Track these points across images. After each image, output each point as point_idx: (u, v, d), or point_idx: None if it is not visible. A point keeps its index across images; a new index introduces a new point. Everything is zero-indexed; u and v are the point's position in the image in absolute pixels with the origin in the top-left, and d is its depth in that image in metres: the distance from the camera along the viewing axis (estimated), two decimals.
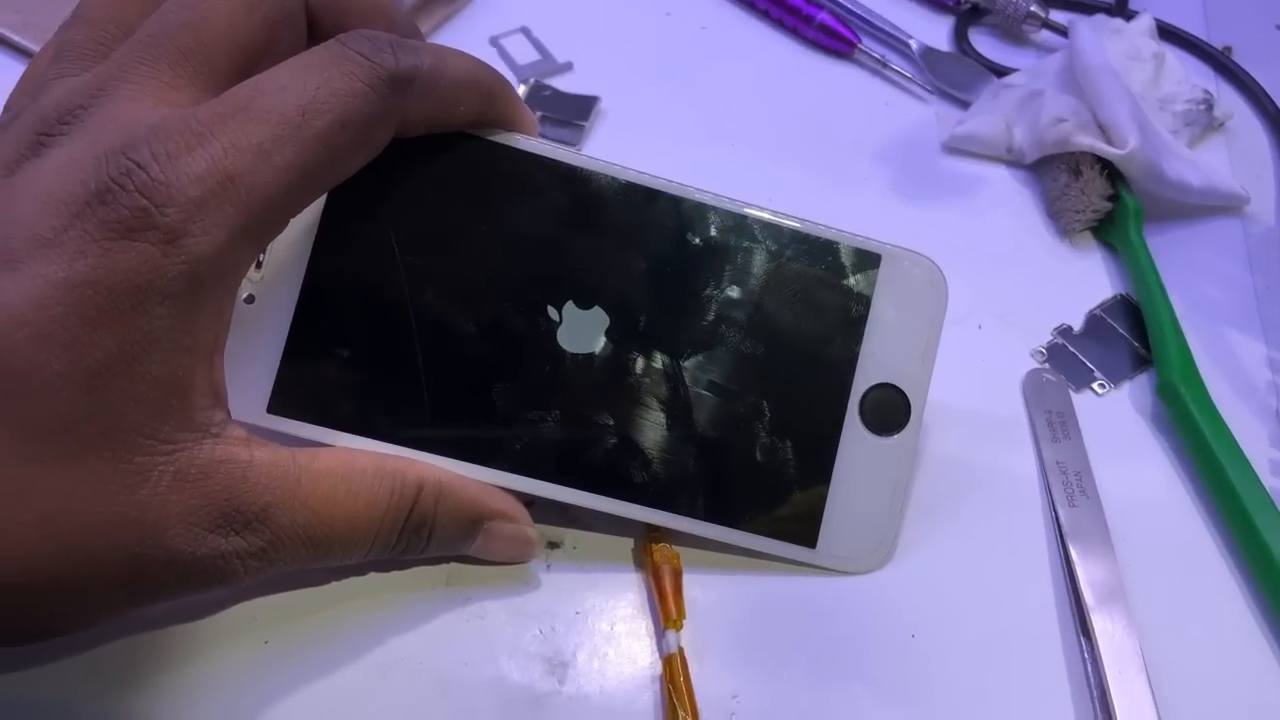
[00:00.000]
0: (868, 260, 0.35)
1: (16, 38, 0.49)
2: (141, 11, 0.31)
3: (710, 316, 0.34)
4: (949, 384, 0.37)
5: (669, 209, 0.34)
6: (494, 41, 0.53)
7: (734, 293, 0.34)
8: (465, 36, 0.53)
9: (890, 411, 0.35)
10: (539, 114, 0.49)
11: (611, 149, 0.49)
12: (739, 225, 0.34)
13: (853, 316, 0.35)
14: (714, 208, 0.35)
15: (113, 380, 0.26)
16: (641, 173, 0.35)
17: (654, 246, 0.34)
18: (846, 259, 0.35)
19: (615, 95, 0.50)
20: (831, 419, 0.35)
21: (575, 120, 0.49)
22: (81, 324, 0.26)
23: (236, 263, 0.28)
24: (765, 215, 0.35)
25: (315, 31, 0.32)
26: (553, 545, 0.36)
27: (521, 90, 0.50)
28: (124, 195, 0.26)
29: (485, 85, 0.33)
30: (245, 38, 0.30)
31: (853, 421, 0.35)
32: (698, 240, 0.34)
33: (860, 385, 0.35)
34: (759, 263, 0.34)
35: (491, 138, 0.34)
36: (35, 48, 0.49)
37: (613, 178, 0.34)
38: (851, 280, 0.35)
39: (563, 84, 0.51)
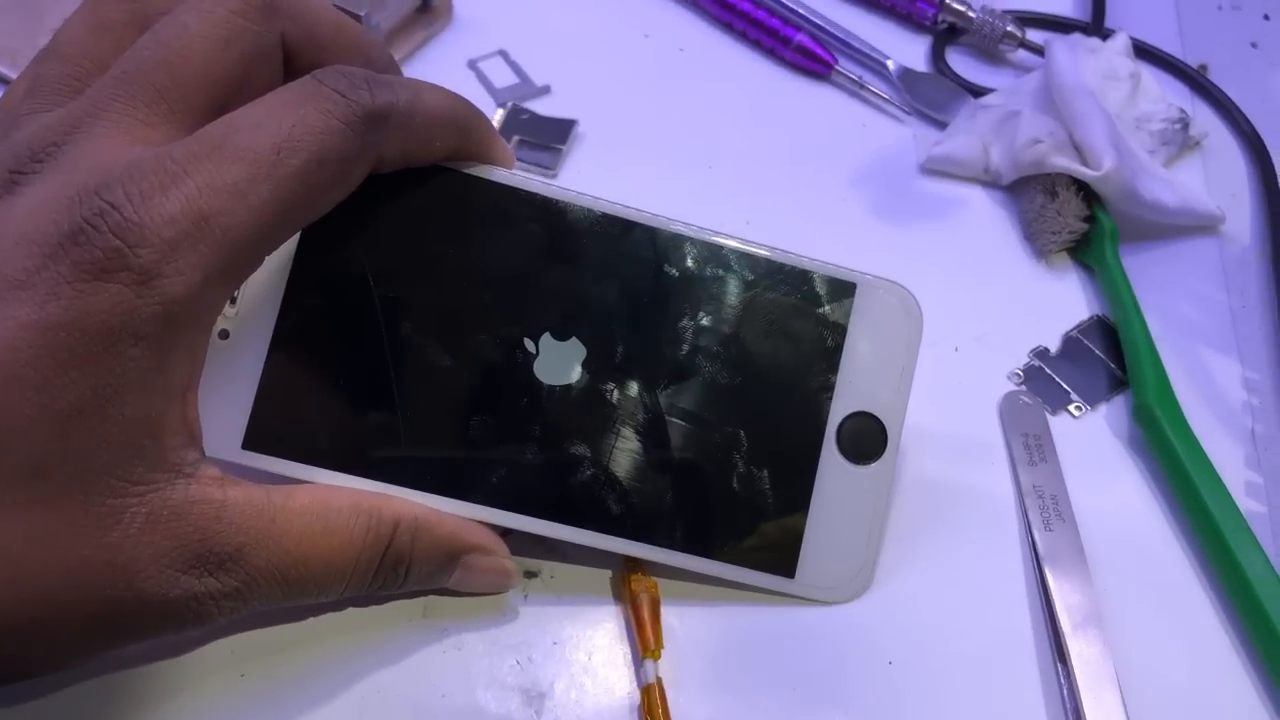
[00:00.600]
0: (843, 289, 0.35)
1: None
2: (116, 47, 0.31)
3: (686, 347, 0.34)
4: (926, 407, 0.38)
5: (644, 240, 0.34)
6: (472, 65, 0.53)
7: (710, 323, 0.34)
8: (443, 60, 0.53)
9: (867, 440, 0.35)
10: (517, 138, 0.49)
11: (590, 172, 0.49)
12: (714, 256, 0.35)
13: (828, 345, 0.35)
14: (689, 238, 0.35)
15: (85, 423, 0.26)
16: (616, 204, 0.35)
17: (630, 278, 0.34)
18: (821, 288, 0.35)
19: (593, 118, 0.50)
20: (808, 448, 0.35)
21: (553, 144, 0.49)
22: (54, 366, 0.26)
23: (211, 302, 0.28)
24: (740, 245, 0.35)
25: (292, 66, 0.32)
26: (530, 575, 0.36)
27: (499, 114, 0.50)
28: (97, 236, 0.26)
29: (461, 120, 0.33)
30: (221, 74, 0.30)
31: (830, 450, 0.35)
32: (673, 271, 0.34)
33: (837, 414, 0.35)
34: (734, 293, 0.35)
35: (467, 170, 0.34)
36: (11, 73, 0.48)
37: (588, 209, 0.34)
38: (827, 309, 0.35)
39: (541, 107, 0.51)
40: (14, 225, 0.27)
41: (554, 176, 0.49)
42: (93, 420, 0.26)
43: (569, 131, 0.50)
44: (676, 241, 0.35)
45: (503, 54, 0.53)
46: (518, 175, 0.34)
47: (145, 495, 0.28)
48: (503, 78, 0.52)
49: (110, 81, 0.29)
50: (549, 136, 0.50)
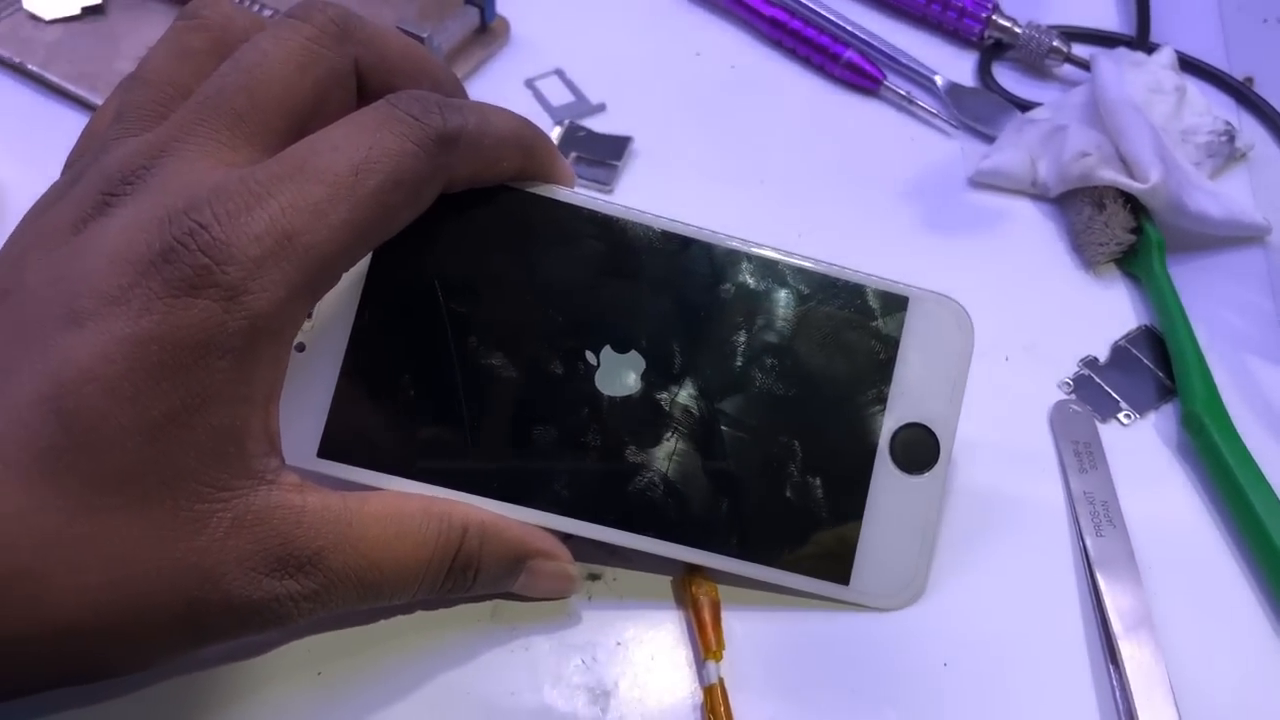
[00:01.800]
0: (895, 303, 0.36)
1: (71, 87, 0.51)
2: (198, 73, 0.33)
3: (742, 359, 0.35)
4: (977, 415, 0.38)
5: (701, 255, 0.36)
6: (529, 84, 0.54)
7: (765, 336, 0.36)
8: (501, 79, 0.54)
9: (920, 450, 0.36)
10: (574, 155, 0.51)
11: (645, 187, 0.50)
12: (769, 270, 0.36)
13: (882, 358, 0.36)
14: (745, 253, 0.36)
15: (175, 431, 0.28)
16: (674, 220, 0.36)
17: (687, 292, 0.35)
18: (875, 302, 0.36)
19: (647, 134, 0.52)
20: (862, 458, 0.36)
21: (609, 160, 0.51)
22: (146, 378, 0.27)
23: (292, 317, 0.29)
24: (795, 260, 0.36)
25: (364, 91, 0.34)
26: (593, 578, 0.37)
27: (557, 132, 0.52)
28: (187, 254, 0.27)
29: (526, 141, 0.34)
30: (298, 99, 0.31)
31: (883, 461, 0.36)
32: (729, 285, 0.36)
33: (890, 425, 0.36)
34: (789, 307, 0.36)
35: (531, 190, 0.35)
36: (89, 97, 0.50)
37: (647, 226, 0.36)
38: (880, 322, 0.36)
39: (596, 125, 0.52)
40: (108, 244, 0.28)
41: (610, 192, 0.50)
42: (182, 429, 0.28)
43: (624, 148, 0.51)
44: (732, 256, 0.36)
45: (559, 73, 0.55)
46: (579, 194, 0.35)
47: (230, 501, 0.29)
48: (559, 96, 0.54)
49: (194, 107, 0.31)
50: (605, 153, 0.51)
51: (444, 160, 0.31)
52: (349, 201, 0.29)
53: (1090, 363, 0.46)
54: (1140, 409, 0.44)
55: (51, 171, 0.34)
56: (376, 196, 0.30)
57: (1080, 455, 0.42)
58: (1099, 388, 0.45)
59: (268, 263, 0.28)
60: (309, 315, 0.34)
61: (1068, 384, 0.45)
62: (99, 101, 0.50)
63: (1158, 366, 0.46)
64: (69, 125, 0.50)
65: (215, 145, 0.30)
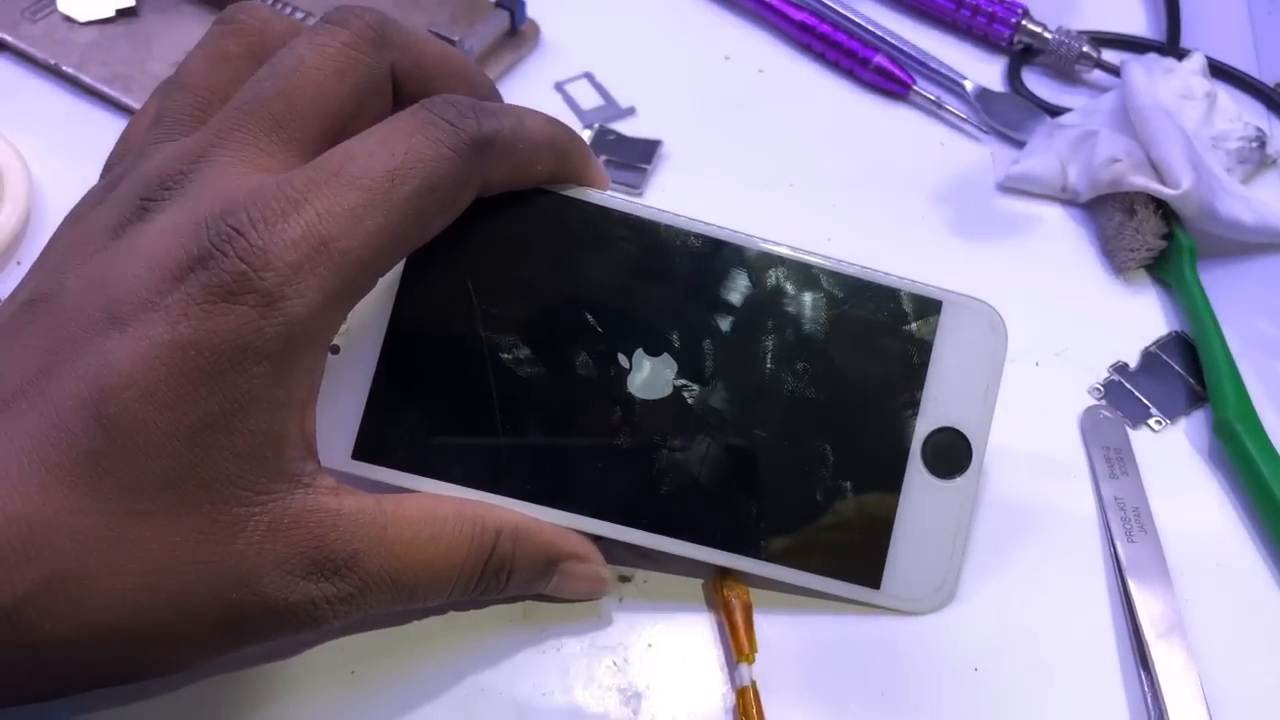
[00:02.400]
0: (929, 307, 0.36)
1: (105, 88, 0.51)
2: (235, 78, 0.33)
3: (774, 362, 0.36)
4: (1008, 421, 0.38)
5: (734, 258, 0.36)
6: (559, 87, 0.54)
7: (797, 339, 0.36)
8: (531, 82, 0.54)
9: (952, 455, 0.36)
10: (604, 158, 0.51)
11: (674, 190, 0.50)
12: (802, 274, 0.36)
13: (915, 362, 0.36)
14: (778, 257, 0.36)
15: (213, 436, 0.28)
16: (707, 223, 0.36)
17: (720, 295, 0.36)
18: (908, 306, 0.36)
19: (677, 138, 0.52)
20: (894, 463, 0.36)
21: (638, 164, 0.51)
22: (185, 383, 0.27)
23: (329, 322, 0.30)
24: (828, 264, 0.36)
25: (400, 94, 0.34)
26: (624, 579, 0.38)
27: (587, 135, 0.52)
28: (224, 260, 0.28)
29: (560, 144, 0.34)
30: (335, 104, 0.32)
31: (915, 465, 0.36)
32: (762, 288, 0.36)
33: (922, 430, 0.36)
34: (822, 310, 0.36)
35: (565, 193, 0.35)
36: (124, 99, 0.51)
37: (679, 229, 0.36)
38: (913, 327, 0.36)
39: (626, 128, 0.53)
40: (146, 250, 0.29)
41: (640, 195, 0.50)
42: (220, 434, 0.28)
43: (654, 151, 0.51)
44: (765, 260, 0.36)
45: (588, 76, 0.55)
46: (613, 197, 0.36)
47: (267, 504, 0.29)
48: (589, 99, 0.54)
49: (231, 113, 0.31)
50: (634, 156, 0.51)
51: (479, 165, 0.31)
52: (385, 207, 0.29)
53: (1121, 369, 0.46)
54: (1171, 415, 0.44)
55: (87, 172, 0.35)
56: (412, 202, 0.30)
57: (1111, 461, 0.42)
58: (1129, 394, 0.45)
59: (304, 269, 0.28)
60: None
61: (1098, 389, 0.45)
62: (133, 103, 0.51)
63: (1188, 373, 0.46)
64: (104, 127, 0.50)
65: (252, 151, 0.30)
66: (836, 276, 0.36)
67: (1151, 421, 0.44)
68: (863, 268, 0.36)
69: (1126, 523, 0.40)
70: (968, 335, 0.36)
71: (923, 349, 0.36)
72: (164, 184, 0.30)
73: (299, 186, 0.29)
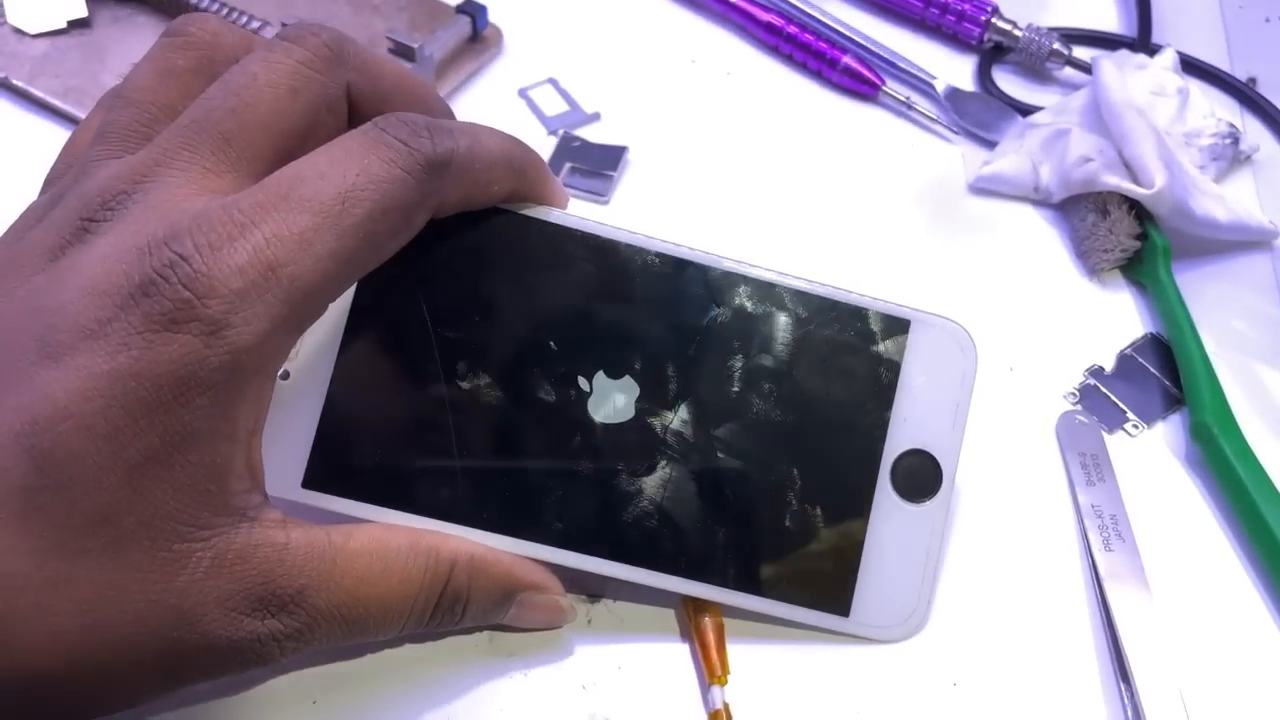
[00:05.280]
0: (896, 326, 0.35)
1: (58, 102, 0.50)
2: (184, 93, 0.32)
3: (739, 385, 0.35)
4: (983, 428, 0.38)
5: (697, 278, 0.35)
6: (522, 93, 0.53)
7: (763, 361, 0.35)
8: (495, 88, 0.53)
9: (922, 478, 0.35)
10: (569, 165, 0.50)
11: (641, 196, 0.49)
12: (767, 293, 0.35)
13: (882, 383, 0.35)
14: (741, 276, 0.35)
15: (153, 470, 0.27)
16: (668, 243, 0.35)
17: (682, 316, 0.35)
18: (875, 325, 0.35)
19: (643, 143, 0.51)
20: (863, 487, 0.35)
21: (604, 170, 0.50)
22: (124, 416, 0.26)
23: (277, 350, 0.29)
24: (793, 283, 0.35)
25: (355, 114, 0.33)
26: (593, 598, 0.37)
27: (552, 142, 0.51)
28: (167, 288, 0.27)
29: (518, 162, 0.33)
30: (287, 123, 0.31)
31: (884, 489, 0.35)
32: (726, 309, 0.35)
33: (891, 452, 0.35)
34: (787, 330, 0.35)
35: (522, 211, 0.34)
36: (77, 113, 0.50)
37: (640, 248, 0.35)
38: (880, 347, 0.35)
39: (591, 134, 0.52)
40: (86, 275, 0.27)
41: (606, 203, 0.49)
42: (160, 468, 0.27)
43: (619, 158, 0.50)
44: (729, 279, 0.35)
45: (553, 82, 0.54)
46: (571, 215, 0.35)
47: (210, 540, 0.28)
48: (553, 105, 0.53)
49: (179, 130, 0.30)
50: (600, 163, 0.50)
51: (433, 186, 0.30)
52: (335, 231, 0.28)
53: (1096, 372, 0.45)
54: (1148, 419, 0.44)
55: (37, 188, 0.34)
56: (364, 225, 0.29)
57: (1087, 468, 0.41)
58: (1105, 398, 0.44)
59: (250, 296, 0.27)
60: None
61: (1074, 394, 0.44)
62: (84, 116, 0.49)
63: (1165, 375, 0.45)
64: (56, 141, 0.48)
65: (199, 171, 0.29)
66: (802, 296, 0.35)
67: (1128, 426, 0.43)
68: (829, 287, 0.35)
69: (1104, 531, 0.40)
70: (937, 355, 0.35)
71: (891, 369, 0.35)
72: (106, 204, 0.29)
73: (246, 209, 0.28)
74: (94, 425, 0.26)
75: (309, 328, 0.30)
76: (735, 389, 0.35)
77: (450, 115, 0.36)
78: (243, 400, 0.28)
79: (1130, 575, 0.38)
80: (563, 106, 0.53)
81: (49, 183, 0.34)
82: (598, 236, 0.35)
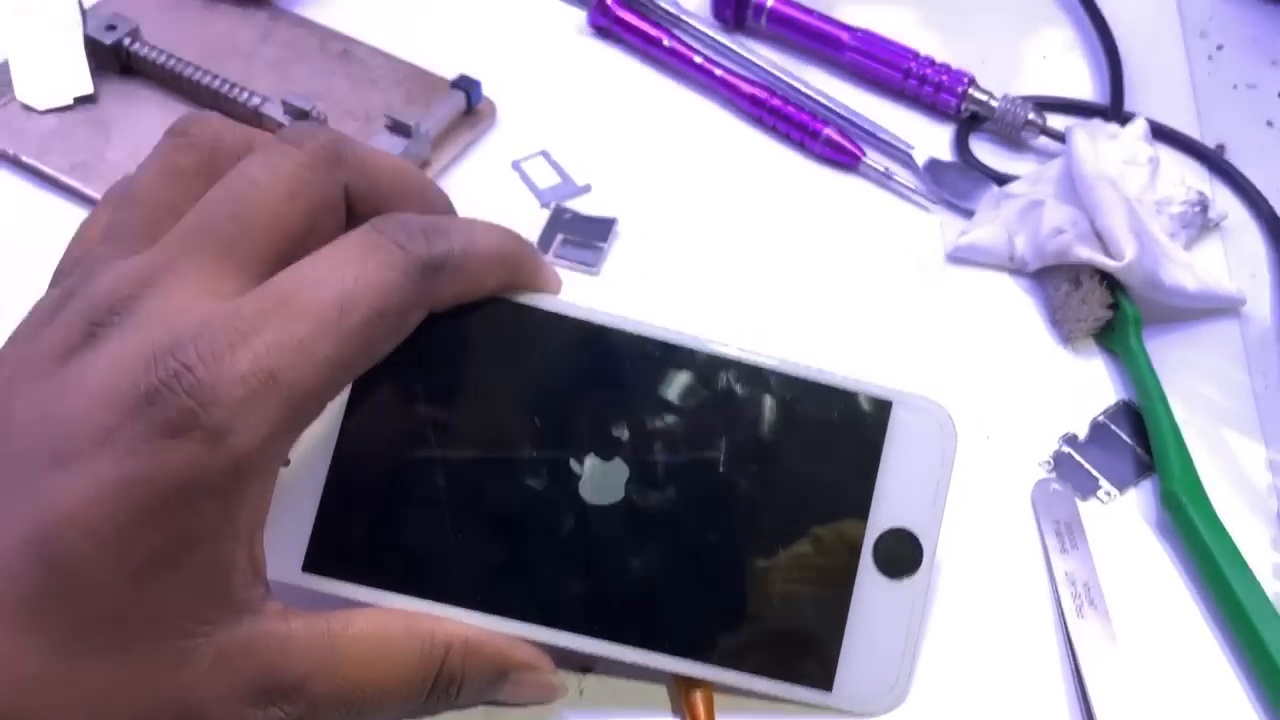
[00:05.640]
0: (877, 407, 0.36)
1: (65, 178, 0.51)
2: (187, 194, 0.33)
3: (725, 466, 0.36)
4: (962, 496, 0.39)
5: (684, 361, 0.36)
6: (515, 165, 0.55)
7: (747, 442, 0.36)
8: (488, 161, 0.55)
9: (903, 556, 0.36)
10: (560, 237, 0.52)
11: (629, 269, 0.51)
12: (752, 376, 0.36)
13: (864, 463, 0.36)
14: (726, 359, 0.36)
15: (159, 572, 0.28)
16: (656, 326, 0.36)
17: (670, 398, 0.36)
18: (856, 406, 0.36)
19: (632, 214, 0.53)
20: (845, 565, 0.36)
21: (595, 242, 0.52)
22: (130, 521, 0.28)
23: (277, 452, 0.30)
24: (777, 365, 0.36)
25: (354, 211, 0.34)
26: (585, 670, 0.38)
27: (544, 215, 0.53)
28: (171, 397, 0.28)
29: (512, 256, 0.35)
30: (287, 226, 0.32)
31: (866, 567, 0.36)
32: (712, 392, 0.36)
33: (873, 531, 0.36)
34: (773, 412, 0.36)
35: (515, 299, 0.35)
36: (84, 188, 0.51)
37: (629, 332, 0.36)
38: (862, 427, 0.36)
39: (582, 205, 0.53)
40: (94, 381, 0.29)
41: (596, 273, 0.51)
42: (166, 569, 0.28)
43: (609, 230, 0.52)
44: (715, 363, 0.36)
45: (545, 154, 0.55)
46: (562, 302, 0.36)
47: (214, 634, 0.29)
48: (545, 178, 0.55)
49: (182, 234, 0.31)
50: (590, 235, 0.52)
51: (429, 286, 0.32)
52: (334, 337, 0.29)
53: (1070, 440, 0.47)
54: (1120, 485, 0.45)
55: (47, 264, 0.35)
56: (362, 329, 0.30)
57: (1061, 535, 0.43)
58: (1079, 465, 0.46)
59: (252, 403, 0.28)
60: None
61: (1048, 462, 0.46)
62: (92, 192, 0.51)
63: (1136, 442, 0.47)
64: (64, 216, 0.51)
65: (202, 275, 0.30)
66: (786, 378, 0.36)
67: (1100, 493, 0.45)
68: (813, 368, 0.37)
69: (1077, 598, 0.41)
70: (917, 435, 0.37)
71: (872, 449, 0.36)
72: (112, 309, 0.30)
73: (247, 316, 0.29)
74: (102, 530, 0.27)
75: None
76: (721, 470, 0.36)
77: (449, 206, 0.37)
78: (245, 501, 0.29)
79: (1102, 642, 0.40)
80: (554, 179, 0.55)
81: (59, 275, 0.35)
82: (588, 322, 0.36)
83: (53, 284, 0.34)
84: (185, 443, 0.28)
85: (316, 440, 0.35)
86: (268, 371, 0.28)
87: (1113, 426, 0.47)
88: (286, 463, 0.34)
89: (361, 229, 0.31)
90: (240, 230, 0.31)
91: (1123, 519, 0.44)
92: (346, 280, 0.30)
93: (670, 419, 0.36)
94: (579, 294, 0.37)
